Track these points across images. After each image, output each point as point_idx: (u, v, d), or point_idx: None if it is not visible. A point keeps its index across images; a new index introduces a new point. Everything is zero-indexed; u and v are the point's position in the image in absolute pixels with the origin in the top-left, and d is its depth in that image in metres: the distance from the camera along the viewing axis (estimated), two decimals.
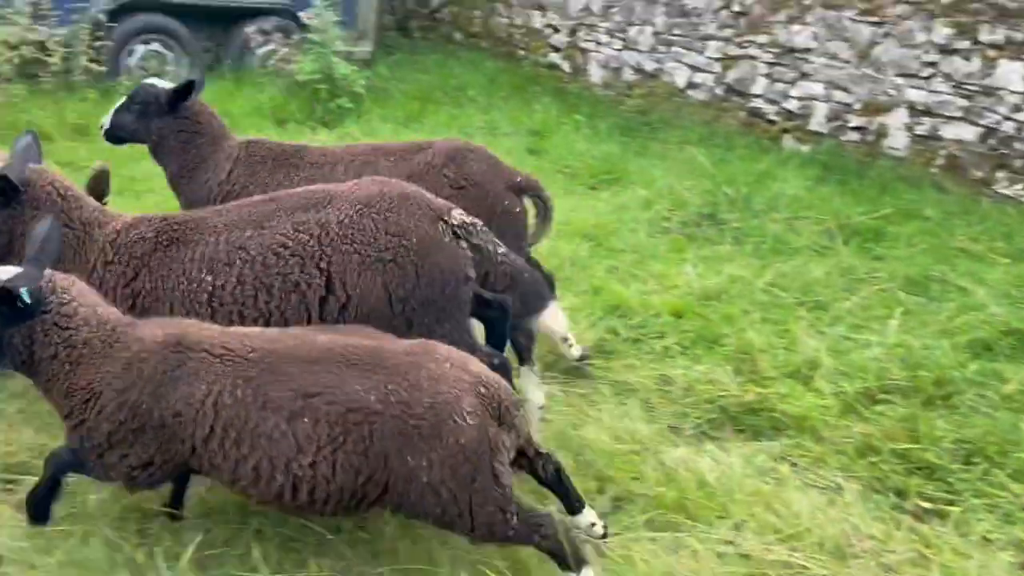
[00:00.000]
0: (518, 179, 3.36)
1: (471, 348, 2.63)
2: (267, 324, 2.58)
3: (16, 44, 6.51)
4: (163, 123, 3.50)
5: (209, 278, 2.61)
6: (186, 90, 3.47)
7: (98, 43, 6.97)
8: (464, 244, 2.68)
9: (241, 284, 2.60)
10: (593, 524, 2.56)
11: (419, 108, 7.80)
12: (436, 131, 7.22)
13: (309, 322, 2.59)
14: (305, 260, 2.58)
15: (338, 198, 2.68)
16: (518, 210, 3.31)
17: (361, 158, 3.35)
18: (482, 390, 2.31)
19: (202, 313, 2.59)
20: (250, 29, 7.82)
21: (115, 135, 3.63)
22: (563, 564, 2.37)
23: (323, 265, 2.58)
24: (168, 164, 3.57)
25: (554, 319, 3.19)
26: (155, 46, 7.71)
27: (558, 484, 2.53)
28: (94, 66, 6.84)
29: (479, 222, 2.77)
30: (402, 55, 9.99)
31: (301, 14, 7.64)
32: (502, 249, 2.78)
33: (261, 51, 7.97)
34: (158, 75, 7.65)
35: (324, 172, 3.31)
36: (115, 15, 7.24)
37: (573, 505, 2.54)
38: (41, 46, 6.62)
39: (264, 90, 7.42)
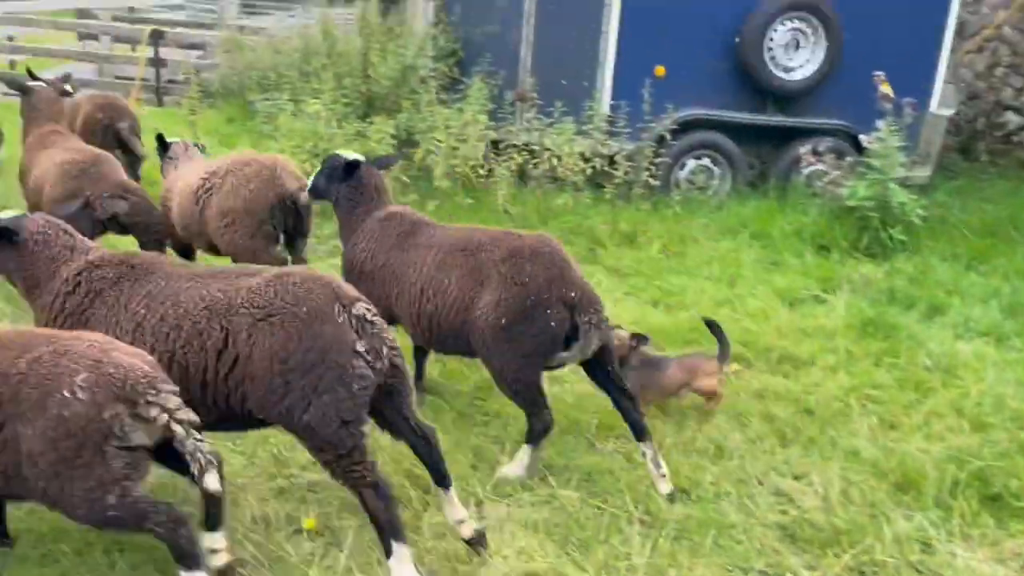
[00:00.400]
0: (573, 294, 3.57)
1: (354, 422, 2.83)
2: (172, 361, 2.93)
3: (589, 157, 7.27)
4: (340, 187, 4.24)
5: (142, 311, 3.03)
6: (355, 165, 4.20)
7: (657, 159, 7.43)
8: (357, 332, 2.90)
9: (163, 321, 2.99)
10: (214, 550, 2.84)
11: (986, 246, 6.74)
12: (1008, 276, 6.14)
13: (207, 371, 2.92)
14: (212, 314, 2.93)
15: (264, 272, 3.07)
16: (553, 325, 3.54)
17: (462, 238, 3.86)
18: (110, 370, 2.44)
19: (127, 341, 2.93)
20: (803, 149, 7.64)
21: (314, 193, 4.45)
22: (179, 559, 2.52)
23: (223, 323, 2.90)
24: (340, 221, 4.34)
25: None
26: (704, 161, 8.00)
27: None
28: (651, 180, 7.30)
29: (380, 323, 2.99)
30: (965, 181, 8.87)
31: (862, 137, 7.21)
32: (397, 350, 3.02)
33: (808, 171, 7.72)
34: (703, 188, 7.96)
35: (432, 241, 3.89)
36: (676, 132, 7.67)
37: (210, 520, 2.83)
38: (610, 160, 7.29)
39: (807, 212, 7.12)
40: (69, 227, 3.41)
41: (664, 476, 3.66)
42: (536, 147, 7.37)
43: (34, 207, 5.20)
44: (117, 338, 2.91)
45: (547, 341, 3.57)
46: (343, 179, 4.22)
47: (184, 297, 3.00)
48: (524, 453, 3.72)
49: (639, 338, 4.22)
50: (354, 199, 4.20)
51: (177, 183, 5.20)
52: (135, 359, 2.62)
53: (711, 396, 4.27)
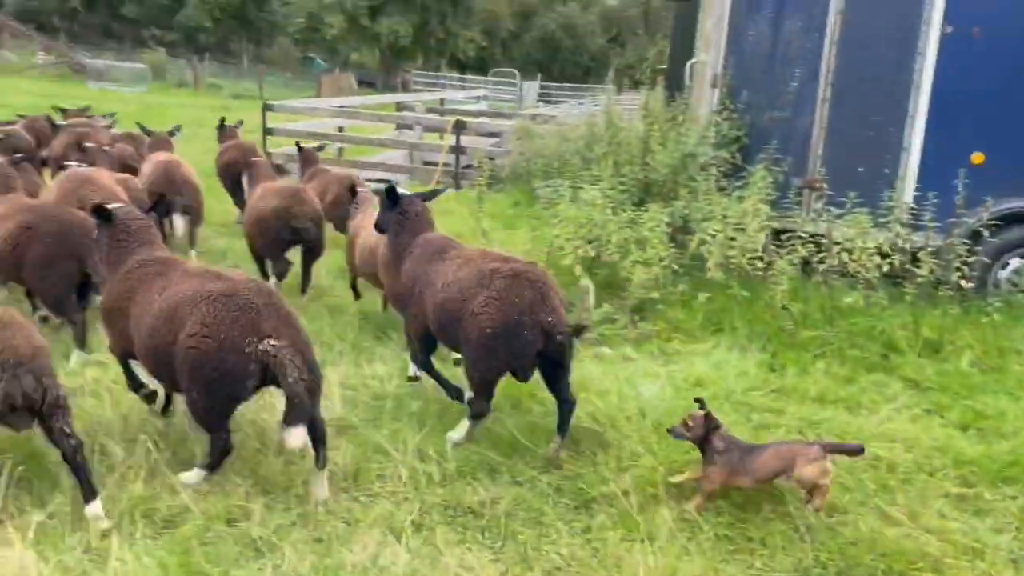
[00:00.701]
0: (550, 319, 4.12)
1: (219, 430, 3.83)
2: (148, 350, 3.95)
3: (887, 252, 6.52)
4: (390, 216, 4.90)
5: (156, 296, 3.97)
6: (398, 195, 4.88)
7: (971, 257, 6.49)
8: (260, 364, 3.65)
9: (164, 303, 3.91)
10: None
11: None
12: None
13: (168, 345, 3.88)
14: (185, 301, 3.82)
15: (223, 283, 3.86)
16: (526, 333, 4.11)
17: (474, 257, 4.53)
18: None
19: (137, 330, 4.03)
20: None
21: (377, 227, 5.06)
22: None
23: (185, 312, 3.76)
24: (389, 250, 4.95)
25: (297, 438, 3.56)
26: None
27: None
28: (963, 281, 6.37)
29: (280, 357, 3.58)
30: None
31: None
32: (291, 378, 3.54)
33: None
34: None
35: (458, 254, 4.59)
36: (997, 227, 6.67)
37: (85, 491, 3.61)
38: (912, 256, 6.48)
39: None
40: (151, 225, 4.41)
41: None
42: (824, 239, 6.78)
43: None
44: (145, 315, 3.94)
45: (518, 355, 4.17)
46: (391, 209, 4.90)
47: (178, 287, 3.92)
48: (464, 426, 4.44)
49: (713, 421, 3.91)
50: (401, 226, 4.87)
51: (362, 230, 6.06)
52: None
53: (814, 488, 3.75)
